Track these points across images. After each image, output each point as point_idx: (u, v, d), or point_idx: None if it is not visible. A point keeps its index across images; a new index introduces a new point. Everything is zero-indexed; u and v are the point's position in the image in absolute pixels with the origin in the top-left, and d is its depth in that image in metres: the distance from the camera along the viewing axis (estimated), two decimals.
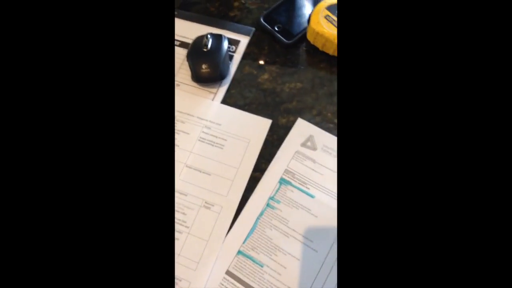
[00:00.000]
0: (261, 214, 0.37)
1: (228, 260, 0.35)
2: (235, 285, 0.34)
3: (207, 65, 0.42)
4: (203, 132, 0.41)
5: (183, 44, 0.47)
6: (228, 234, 0.36)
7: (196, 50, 0.43)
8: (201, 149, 0.40)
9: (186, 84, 0.45)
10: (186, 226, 0.37)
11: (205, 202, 0.38)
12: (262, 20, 0.46)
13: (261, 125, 0.41)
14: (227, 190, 0.38)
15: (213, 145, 0.40)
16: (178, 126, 0.42)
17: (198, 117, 0.42)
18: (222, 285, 0.34)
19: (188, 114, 0.42)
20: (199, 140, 0.41)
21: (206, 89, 0.44)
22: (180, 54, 0.46)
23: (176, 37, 0.48)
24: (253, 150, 0.40)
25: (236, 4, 0.49)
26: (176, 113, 0.43)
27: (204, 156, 0.40)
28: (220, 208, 0.37)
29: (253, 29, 0.47)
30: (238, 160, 0.39)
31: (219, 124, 0.41)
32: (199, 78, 0.43)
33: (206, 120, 0.42)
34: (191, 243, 0.36)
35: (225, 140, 0.41)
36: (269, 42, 0.46)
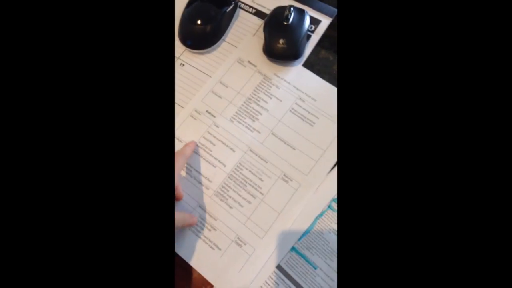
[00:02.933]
0: (321, 214, 0.35)
1: (280, 255, 0.34)
2: (284, 281, 0.33)
3: (285, 41, 0.39)
4: (296, 103, 0.39)
5: (258, 13, 0.44)
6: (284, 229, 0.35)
7: (275, 21, 0.40)
8: (290, 120, 0.39)
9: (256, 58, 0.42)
10: (261, 193, 0.36)
11: (284, 175, 0.37)
12: None
13: None
14: (308, 169, 0.37)
15: (303, 120, 0.39)
16: (271, 90, 0.40)
17: (294, 86, 0.40)
18: (271, 278, 0.33)
19: (284, 80, 0.40)
20: (290, 110, 0.39)
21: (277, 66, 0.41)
22: (254, 24, 0.43)
23: (252, 4, 0.44)
24: None
25: None
26: (272, 76, 0.41)
27: (292, 128, 0.38)
28: (298, 185, 0.36)
29: (337, 10, 0.42)
30: (327, 142, 0.38)
31: (315, 100, 0.39)
32: (272, 53, 0.40)
33: (302, 92, 0.40)
34: (262, 211, 0.36)
35: (317, 118, 0.39)
36: None
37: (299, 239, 0.34)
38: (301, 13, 0.41)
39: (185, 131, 0.39)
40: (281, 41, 0.39)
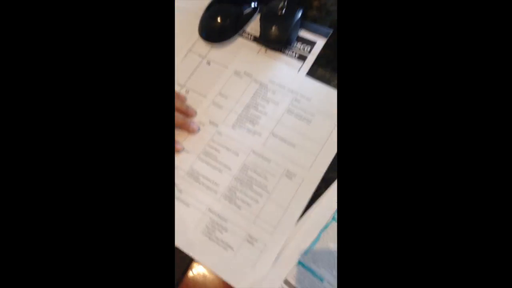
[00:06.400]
0: (326, 227, 0.35)
1: (287, 269, 0.34)
2: None
3: (277, 28, 0.44)
4: (292, 104, 0.42)
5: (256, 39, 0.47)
6: (289, 243, 0.35)
7: (270, 12, 0.45)
8: (288, 120, 0.41)
9: (271, 50, 0.45)
10: (267, 191, 0.38)
11: (287, 172, 0.38)
12: None
13: None
14: (310, 164, 0.38)
15: (300, 119, 0.41)
16: (268, 95, 0.43)
17: (288, 89, 0.43)
18: None
19: (279, 85, 0.43)
20: (287, 111, 0.41)
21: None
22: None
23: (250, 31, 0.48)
24: None
25: (315, 3, 0.48)
26: (267, 82, 0.44)
27: (291, 127, 0.41)
28: (302, 180, 0.38)
29: (331, 30, 0.45)
30: (324, 137, 0.39)
31: (309, 99, 0.42)
32: (267, 39, 0.45)
33: (297, 93, 0.42)
34: (270, 208, 0.37)
35: (313, 115, 0.41)
36: None
37: (305, 253, 0.35)
38: (293, 6, 0.45)
39: (190, 140, 0.42)
40: (273, 28, 0.44)
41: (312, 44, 0.45)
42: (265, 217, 0.37)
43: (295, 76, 0.43)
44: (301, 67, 0.44)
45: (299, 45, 0.45)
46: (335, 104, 0.41)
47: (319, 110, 0.41)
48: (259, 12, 0.48)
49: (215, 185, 0.39)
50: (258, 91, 0.43)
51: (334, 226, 0.35)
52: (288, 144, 0.40)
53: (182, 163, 0.41)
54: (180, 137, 0.42)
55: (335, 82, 0.43)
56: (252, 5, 0.47)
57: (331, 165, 0.38)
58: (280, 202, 0.37)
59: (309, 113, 0.41)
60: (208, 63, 0.46)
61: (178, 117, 0.41)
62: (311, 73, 0.44)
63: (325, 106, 0.41)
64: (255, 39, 0.47)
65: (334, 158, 0.38)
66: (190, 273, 0.36)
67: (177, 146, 0.41)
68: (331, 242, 0.35)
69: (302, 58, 0.45)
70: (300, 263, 0.34)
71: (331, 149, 0.39)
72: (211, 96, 0.44)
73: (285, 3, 0.44)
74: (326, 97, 0.41)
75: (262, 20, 0.45)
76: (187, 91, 0.45)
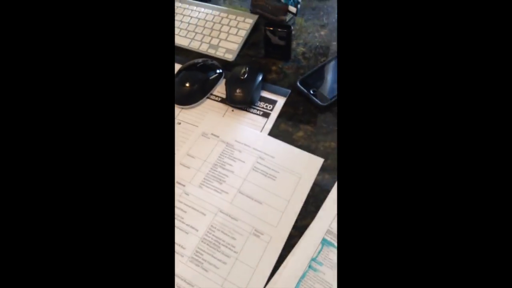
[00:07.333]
0: (303, 276, 0.35)
1: None
2: None
3: (241, 90, 0.48)
4: (257, 162, 0.43)
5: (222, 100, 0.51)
6: None
7: (234, 77, 0.49)
8: (254, 177, 0.42)
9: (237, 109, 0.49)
10: (234, 251, 0.37)
11: (255, 230, 0.38)
12: (298, 83, 0.50)
13: (313, 163, 0.43)
14: (277, 221, 0.39)
15: (265, 176, 0.42)
16: (234, 154, 0.44)
17: (253, 148, 0.44)
18: None
19: (244, 144, 0.45)
20: (253, 169, 0.43)
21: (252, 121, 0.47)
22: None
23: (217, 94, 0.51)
24: (305, 184, 0.41)
25: (273, 68, 0.54)
26: (234, 142, 0.45)
27: (257, 185, 0.41)
28: (269, 238, 0.38)
29: (289, 90, 0.50)
30: (289, 193, 0.40)
31: (273, 157, 0.43)
32: (232, 100, 0.49)
33: (261, 152, 0.44)
34: (238, 269, 0.36)
35: (278, 172, 0.42)
36: (304, 103, 0.49)
37: None
38: (255, 71, 0.49)
39: None
40: (238, 90, 0.48)
41: (273, 102, 0.49)
42: (234, 279, 0.35)
43: (259, 135, 0.46)
44: (264, 125, 0.47)
45: (262, 104, 0.49)
46: (296, 161, 0.43)
47: (282, 167, 0.42)
48: (224, 77, 0.52)
49: (181, 248, 0.38)
50: (225, 151, 0.45)
51: (311, 274, 0.35)
52: (255, 201, 0.40)
53: None
54: None
55: (297, 134, 0.46)
56: (217, 71, 0.51)
57: (302, 213, 0.39)
58: (249, 262, 0.36)
59: (274, 170, 0.42)
60: (179, 123, 0.48)
61: None
62: (275, 127, 0.47)
63: (288, 163, 0.43)
64: (222, 101, 0.50)
65: (302, 208, 0.39)
66: None
67: None
68: None
69: (266, 115, 0.48)
70: None
71: (296, 205, 0.39)
72: (179, 156, 0.45)
73: (247, 69, 0.49)
74: (288, 155, 0.43)
75: (227, 84, 0.49)
76: None
